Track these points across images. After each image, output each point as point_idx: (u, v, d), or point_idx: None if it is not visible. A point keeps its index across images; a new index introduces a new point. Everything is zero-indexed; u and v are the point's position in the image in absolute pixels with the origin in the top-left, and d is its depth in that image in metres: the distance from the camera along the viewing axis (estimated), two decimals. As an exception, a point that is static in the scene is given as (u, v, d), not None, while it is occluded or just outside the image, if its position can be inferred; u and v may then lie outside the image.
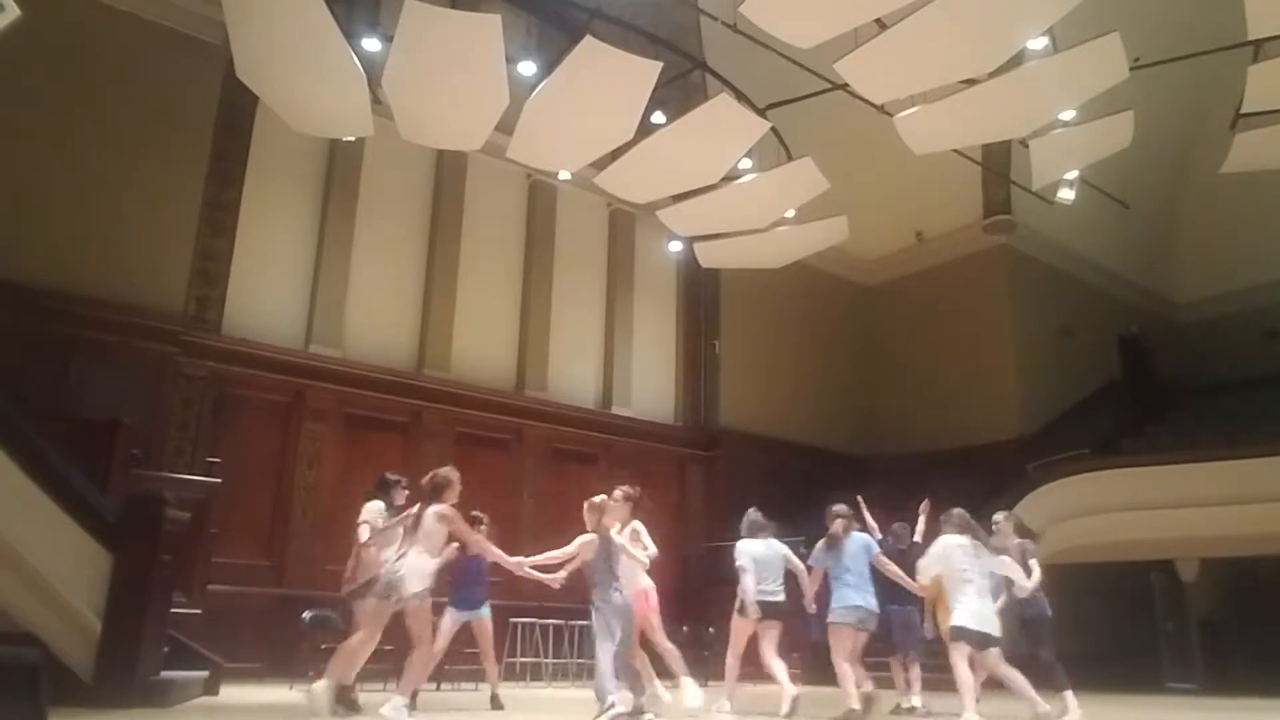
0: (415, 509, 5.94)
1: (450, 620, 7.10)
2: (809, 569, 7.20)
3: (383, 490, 6.85)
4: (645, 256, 15.47)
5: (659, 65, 8.47)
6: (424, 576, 5.67)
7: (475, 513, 6.94)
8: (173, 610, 7.03)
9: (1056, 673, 6.91)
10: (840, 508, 7.16)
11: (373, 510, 6.64)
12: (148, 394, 10.07)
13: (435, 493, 5.85)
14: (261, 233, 11.69)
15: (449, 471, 5.97)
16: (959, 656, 6.33)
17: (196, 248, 10.91)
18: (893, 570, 7.05)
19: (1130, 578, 14.86)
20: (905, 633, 7.89)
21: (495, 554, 6.15)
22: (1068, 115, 9.69)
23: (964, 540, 6.50)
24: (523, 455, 13.17)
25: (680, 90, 11.69)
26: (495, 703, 7.24)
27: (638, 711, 5.74)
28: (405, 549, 5.80)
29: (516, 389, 13.59)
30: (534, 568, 6.03)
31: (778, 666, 6.94)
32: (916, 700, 7.72)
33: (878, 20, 8.14)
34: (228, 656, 7.98)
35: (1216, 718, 7.94)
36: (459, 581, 7.21)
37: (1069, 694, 6.83)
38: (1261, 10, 7.91)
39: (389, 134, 9.82)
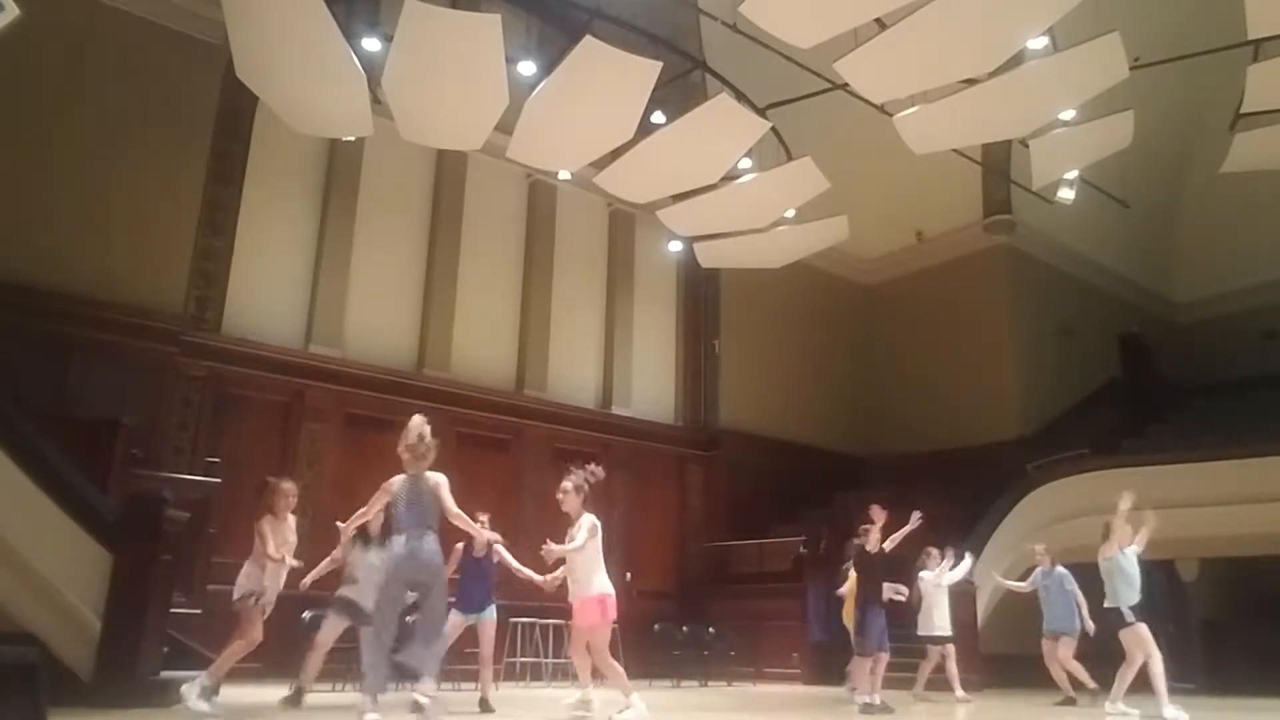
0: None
1: (453, 620, 7.00)
2: None
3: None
4: (645, 256, 15.46)
5: (659, 65, 8.47)
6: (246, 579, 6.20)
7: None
8: (173, 610, 7.04)
9: None
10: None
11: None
12: (148, 394, 10.05)
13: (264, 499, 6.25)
14: (261, 233, 11.68)
15: (278, 482, 6.42)
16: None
17: (196, 248, 10.90)
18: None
19: (1130, 578, 14.83)
20: (883, 634, 7.99)
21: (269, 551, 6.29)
22: (1068, 115, 9.70)
23: None
24: (523, 455, 13.16)
25: (680, 90, 11.69)
26: (485, 706, 7.09)
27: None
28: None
29: (516, 389, 13.59)
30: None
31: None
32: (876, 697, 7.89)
33: (878, 20, 8.15)
34: (228, 657, 7.97)
35: (1216, 717, 7.93)
36: (461, 582, 7.12)
37: None
38: (1261, 10, 7.91)
39: (389, 134, 9.82)
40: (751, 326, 16.05)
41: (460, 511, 5.26)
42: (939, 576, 9.70)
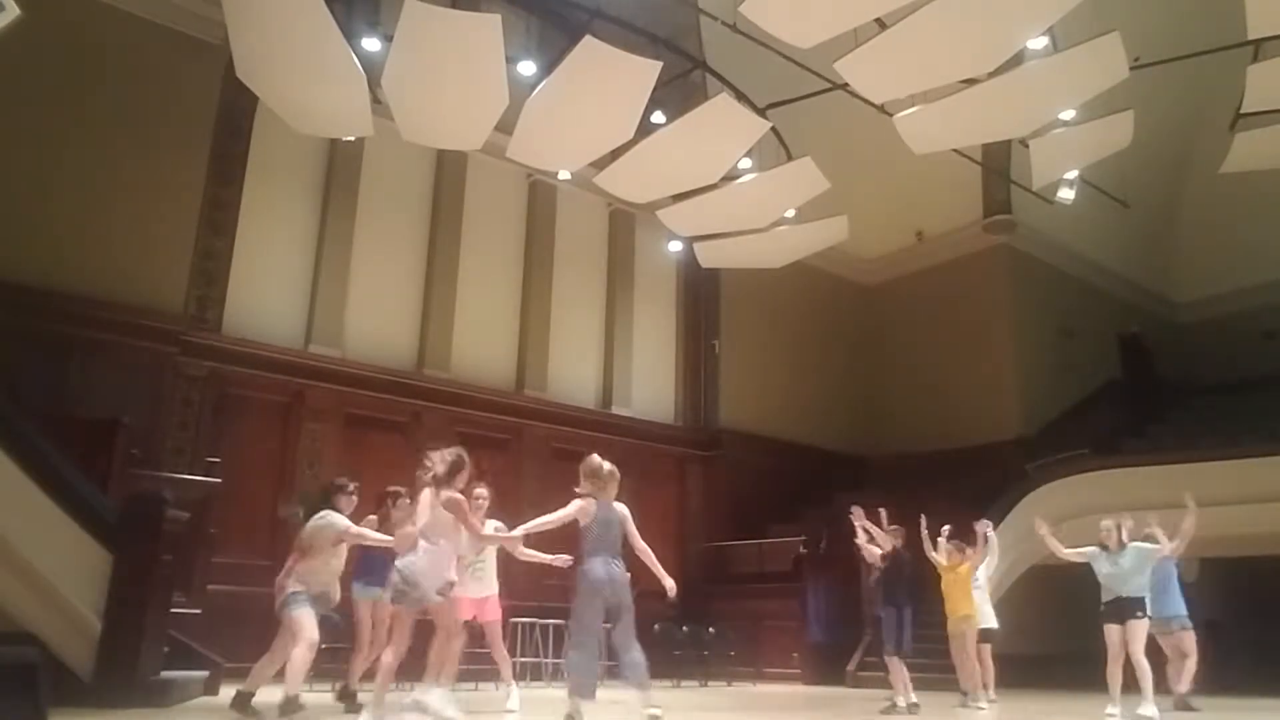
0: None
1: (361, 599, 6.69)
2: None
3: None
4: (645, 256, 15.47)
5: (659, 65, 8.48)
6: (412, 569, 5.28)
7: (391, 488, 6.67)
8: (173, 610, 7.03)
9: None
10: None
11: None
12: (148, 394, 10.06)
13: (449, 477, 5.28)
14: (261, 232, 11.69)
15: (460, 451, 5.42)
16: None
17: (196, 248, 10.90)
18: None
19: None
20: (903, 632, 7.96)
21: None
22: (1068, 115, 9.71)
23: None
24: (523, 455, 13.16)
25: (680, 90, 11.69)
26: (343, 695, 6.65)
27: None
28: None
29: (516, 389, 13.59)
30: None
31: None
32: (914, 697, 7.81)
33: (878, 20, 8.16)
34: (228, 656, 7.97)
35: (1216, 718, 7.94)
36: (369, 557, 6.65)
37: None
38: (1261, 10, 7.93)
39: (389, 134, 9.82)
40: (751, 326, 16.06)
41: (646, 546, 5.59)
42: (987, 567, 9.38)
